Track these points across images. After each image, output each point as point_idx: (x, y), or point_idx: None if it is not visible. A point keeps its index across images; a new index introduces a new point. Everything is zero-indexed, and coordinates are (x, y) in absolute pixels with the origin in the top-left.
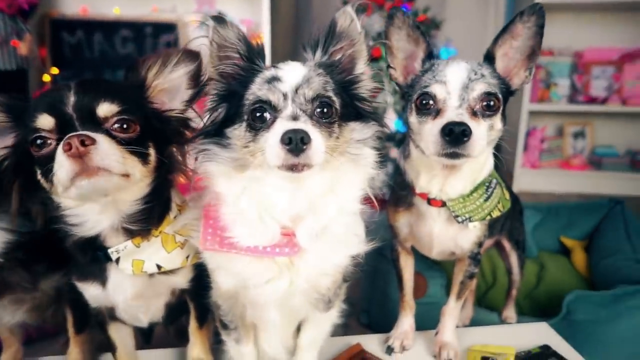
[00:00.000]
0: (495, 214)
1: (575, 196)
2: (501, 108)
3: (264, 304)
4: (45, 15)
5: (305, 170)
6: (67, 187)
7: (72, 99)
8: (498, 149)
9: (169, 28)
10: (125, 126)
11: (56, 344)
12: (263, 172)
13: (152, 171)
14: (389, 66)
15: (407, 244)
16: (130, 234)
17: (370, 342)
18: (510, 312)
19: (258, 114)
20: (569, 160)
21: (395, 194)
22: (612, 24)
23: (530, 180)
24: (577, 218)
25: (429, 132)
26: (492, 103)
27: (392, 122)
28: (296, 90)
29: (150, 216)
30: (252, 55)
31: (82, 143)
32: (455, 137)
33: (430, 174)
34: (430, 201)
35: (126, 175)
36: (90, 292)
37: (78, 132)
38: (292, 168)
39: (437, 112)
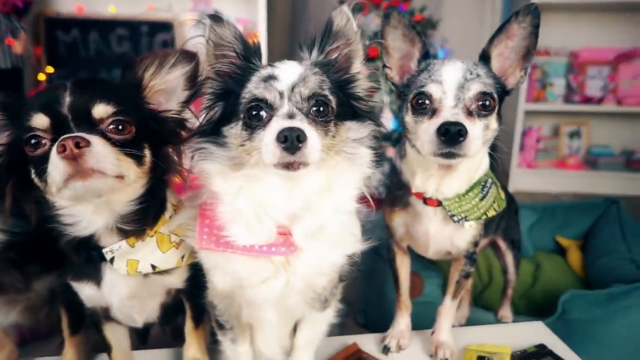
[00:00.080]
0: (491, 213)
1: (571, 196)
2: (497, 108)
3: (260, 304)
4: (40, 13)
5: (301, 169)
6: (61, 188)
7: (67, 99)
8: (494, 148)
9: (164, 27)
10: (120, 127)
11: (50, 344)
12: (259, 171)
13: (147, 172)
14: (384, 65)
15: (403, 244)
16: (124, 234)
17: (367, 342)
18: (506, 311)
19: (254, 113)
20: (565, 160)
21: (391, 193)
22: (607, 24)
23: (526, 179)
24: (573, 218)
25: (424, 131)
26: (487, 103)
27: (388, 121)
28: (292, 89)
29: (145, 216)
30: (248, 54)
31: (77, 145)
32: (451, 136)
33: (426, 174)
34: (426, 201)
35: (120, 177)
36: (85, 292)
37: (73, 134)
38: (288, 166)
39: (433, 112)
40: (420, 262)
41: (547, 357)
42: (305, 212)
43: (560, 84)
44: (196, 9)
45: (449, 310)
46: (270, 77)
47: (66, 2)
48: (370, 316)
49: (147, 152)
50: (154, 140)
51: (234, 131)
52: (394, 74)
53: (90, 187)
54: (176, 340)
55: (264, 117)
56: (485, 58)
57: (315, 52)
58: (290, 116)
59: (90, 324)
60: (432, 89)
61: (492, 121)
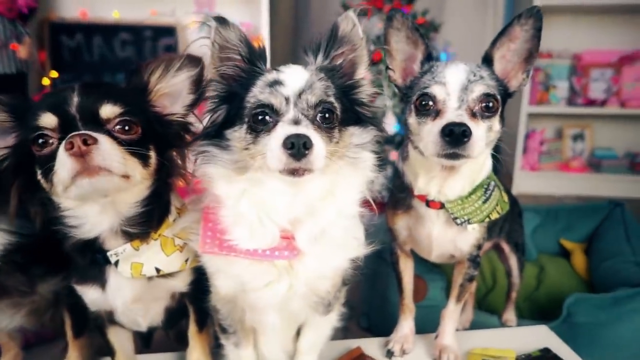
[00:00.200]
0: (494, 216)
1: (575, 198)
2: (500, 109)
3: (263, 308)
4: (45, 19)
5: (306, 175)
6: (68, 186)
7: (75, 99)
8: (497, 150)
9: (168, 31)
10: (127, 127)
11: (55, 348)
12: (263, 175)
13: (152, 174)
14: (387, 67)
15: (406, 247)
16: (129, 236)
17: (370, 346)
18: (510, 315)
19: (260, 117)
20: (568, 163)
21: (394, 196)
22: (610, 27)
23: (529, 182)
24: (577, 220)
25: (428, 132)
26: (491, 104)
27: (391, 125)
28: (299, 95)
29: (149, 219)
30: (253, 58)
31: (85, 142)
32: (456, 137)
33: (428, 175)
34: (429, 203)
35: (126, 177)
36: (90, 295)
37: (81, 132)
38: (293, 172)
39: (437, 113)
40: (423, 266)
41: None
42: (308, 217)
43: (563, 86)
44: (199, 13)
45: (453, 314)
46: (276, 82)
47: (70, 7)
48: (373, 320)
49: (152, 153)
50: (159, 142)
51: (238, 134)
52: (397, 76)
53: (96, 184)
54: (179, 344)
55: (270, 122)
56: (488, 60)
57: (320, 57)
58: (296, 122)
59: (94, 327)
60: (436, 90)
61: (495, 123)
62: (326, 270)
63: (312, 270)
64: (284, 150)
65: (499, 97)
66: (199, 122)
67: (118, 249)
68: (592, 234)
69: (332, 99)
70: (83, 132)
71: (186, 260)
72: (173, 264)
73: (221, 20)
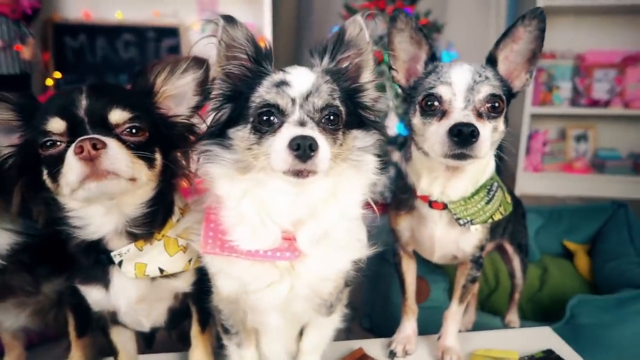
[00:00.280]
0: (497, 217)
1: (578, 199)
2: (505, 110)
3: (265, 309)
4: (48, 19)
5: (310, 177)
6: (75, 189)
7: (84, 102)
8: (500, 151)
9: (171, 32)
10: (134, 131)
11: (58, 348)
12: (265, 175)
13: (157, 175)
14: (391, 68)
15: (409, 248)
16: (133, 237)
17: (373, 347)
18: (513, 316)
19: (265, 118)
20: (572, 164)
21: (397, 197)
22: (613, 27)
23: (532, 183)
24: (580, 221)
25: (434, 133)
26: (497, 105)
27: (393, 125)
28: (306, 98)
29: (153, 220)
30: (259, 57)
31: (94, 146)
32: (464, 137)
33: (431, 176)
34: (431, 204)
35: (133, 179)
36: (93, 295)
37: (90, 136)
38: (298, 174)
39: (443, 114)
40: (426, 267)
41: None
42: (310, 218)
43: (566, 87)
44: (203, 13)
45: (456, 315)
46: (282, 83)
47: (74, 8)
48: (376, 321)
49: (158, 156)
50: (165, 144)
51: (241, 134)
52: (400, 77)
53: (104, 188)
54: (182, 344)
55: (275, 123)
56: (491, 61)
57: (326, 60)
58: (302, 123)
59: (96, 327)
60: (442, 90)
61: (500, 123)
62: (329, 272)
63: (314, 272)
64: (289, 151)
65: (504, 97)
66: (203, 123)
67: (122, 250)
68: (596, 235)
69: (337, 102)
70: (93, 136)
71: (190, 261)
72: (176, 265)
73: (229, 19)
